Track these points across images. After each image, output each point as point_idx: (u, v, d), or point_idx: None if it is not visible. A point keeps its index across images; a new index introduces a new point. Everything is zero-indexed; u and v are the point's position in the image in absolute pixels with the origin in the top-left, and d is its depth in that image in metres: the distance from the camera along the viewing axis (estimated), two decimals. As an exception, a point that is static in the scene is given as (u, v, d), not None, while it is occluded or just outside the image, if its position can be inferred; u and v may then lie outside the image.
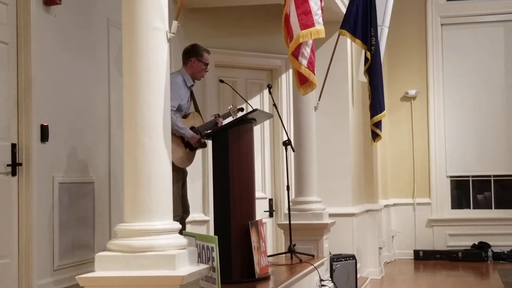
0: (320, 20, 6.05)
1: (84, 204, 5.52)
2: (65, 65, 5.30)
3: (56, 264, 5.11)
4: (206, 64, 6.12)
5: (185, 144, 5.96)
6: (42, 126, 4.96)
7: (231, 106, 6.33)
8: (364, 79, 8.64)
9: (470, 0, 13.05)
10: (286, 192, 6.94)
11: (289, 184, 6.94)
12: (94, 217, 5.66)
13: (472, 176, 12.96)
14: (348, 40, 8.62)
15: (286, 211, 7.05)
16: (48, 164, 5.03)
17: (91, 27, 5.70)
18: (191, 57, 6.06)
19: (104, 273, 3.55)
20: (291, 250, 6.71)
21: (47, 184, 5.04)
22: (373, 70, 8.27)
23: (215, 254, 4.24)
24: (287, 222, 6.89)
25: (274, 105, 6.93)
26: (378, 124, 8.51)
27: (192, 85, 6.11)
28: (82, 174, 5.51)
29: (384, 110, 8.51)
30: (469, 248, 12.42)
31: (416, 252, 12.65)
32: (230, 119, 6.20)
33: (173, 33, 3.85)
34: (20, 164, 4.81)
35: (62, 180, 5.20)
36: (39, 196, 4.90)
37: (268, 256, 6.13)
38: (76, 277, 3.57)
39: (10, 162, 4.79)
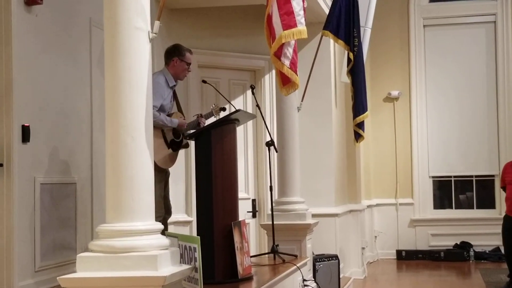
0: (303, 20, 6.05)
1: (66, 205, 5.48)
2: (47, 65, 5.27)
3: (37, 265, 5.08)
4: (189, 64, 6.10)
5: (168, 144, 5.95)
6: (23, 126, 4.92)
7: (213, 106, 6.34)
8: (347, 79, 8.66)
9: (452, 1, 13.14)
10: (269, 192, 6.94)
11: (272, 184, 6.94)
12: (76, 218, 5.62)
13: (454, 177, 13.05)
14: (331, 41, 8.65)
15: (269, 212, 7.06)
16: (29, 164, 5.00)
17: (73, 27, 5.67)
18: (173, 57, 6.05)
19: (86, 274, 3.53)
20: (274, 251, 6.71)
21: (29, 185, 5.00)
22: (356, 71, 8.29)
23: (198, 254, 4.23)
24: (270, 222, 6.90)
25: (257, 105, 6.93)
26: (361, 125, 8.54)
27: (175, 85, 6.09)
28: (64, 174, 5.47)
29: (366, 110, 8.54)
30: (451, 248, 12.50)
31: (398, 252, 12.71)
32: (212, 118, 6.21)
33: (155, 33, 3.84)
34: (1, 165, 4.77)
35: (43, 181, 5.17)
36: (21, 197, 4.87)
37: (251, 256, 6.13)
38: (57, 278, 3.55)
39: (-9, 163, 4.76)
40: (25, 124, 4.93)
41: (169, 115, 6.04)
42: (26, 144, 4.94)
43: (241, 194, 6.76)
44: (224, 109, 6.37)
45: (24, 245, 4.91)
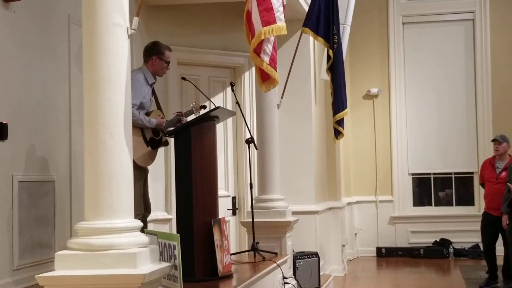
0: (282, 17, 6.05)
1: (44, 203, 5.44)
2: (25, 62, 5.22)
3: (15, 264, 5.03)
4: (168, 62, 6.08)
5: (147, 142, 5.92)
6: (1, 123, 4.87)
7: (194, 104, 6.32)
8: (326, 77, 8.67)
9: (431, -1, 13.22)
10: (249, 190, 6.94)
11: (252, 182, 6.93)
12: (55, 216, 5.58)
13: (434, 174, 13.11)
14: (311, 38, 8.65)
15: (249, 209, 7.05)
16: (7, 162, 4.95)
17: (52, 24, 5.62)
18: (152, 55, 6.02)
19: (64, 272, 3.50)
20: (254, 248, 6.71)
21: (6, 183, 4.95)
22: (336, 68, 8.31)
23: (177, 252, 4.22)
24: (250, 220, 6.89)
25: (237, 102, 6.92)
26: (340, 122, 8.55)
27: (154, 83, 6.07)
28: (42, 172, 5.43)
29: (346, 108, 8.56)
30: (431, 245, 12.57)
31: (378, 249, 12.76)
32: (192, 116, 6.18)
33: (134, 30, 3.82)
34: (-22, 163, 4.73)
35: (21, 179, 5.12)
36: (-2, 195, 4.82)
37: (231, 254, 6.12)
38: (35, 276, 3.52)
39: (-33, 161, 4.70)
40: (3, 122, 4.88)
41: (148, 113, 6.01)
42: (4, 141, 4.89)
43: (221, 191, 6.74)
44: (204, 107, 6.35)
45: (1, 244, 4.86)
